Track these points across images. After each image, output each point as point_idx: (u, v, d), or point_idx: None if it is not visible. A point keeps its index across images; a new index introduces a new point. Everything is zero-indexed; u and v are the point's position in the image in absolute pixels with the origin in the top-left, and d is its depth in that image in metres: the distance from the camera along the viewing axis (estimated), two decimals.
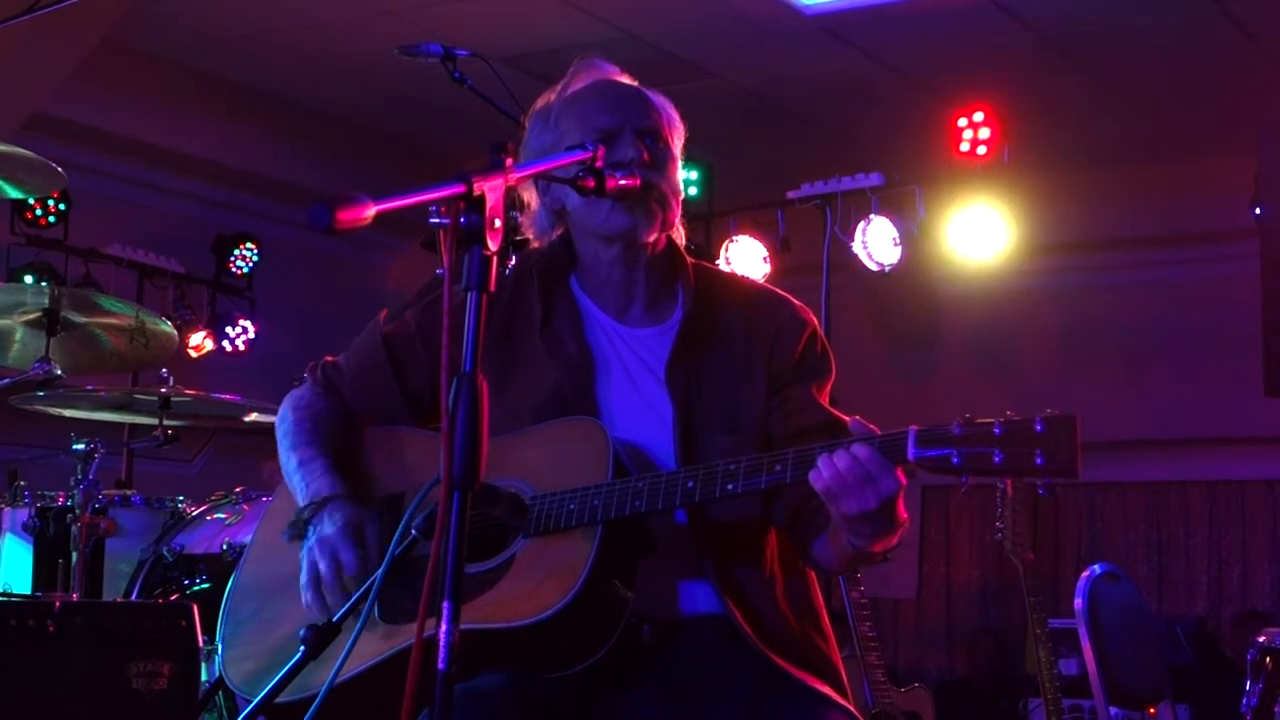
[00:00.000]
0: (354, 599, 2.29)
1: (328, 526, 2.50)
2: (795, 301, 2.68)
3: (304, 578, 2.48)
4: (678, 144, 2.64)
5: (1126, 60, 7.77)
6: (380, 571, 2.16)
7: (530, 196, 2.69)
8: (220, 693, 4.10)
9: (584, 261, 2.65)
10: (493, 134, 2.31)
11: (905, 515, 2.32)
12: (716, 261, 7.69)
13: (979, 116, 7.19)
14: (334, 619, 2.26)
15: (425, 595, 1.93)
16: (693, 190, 8.04)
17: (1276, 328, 6.92)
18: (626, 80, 2.67)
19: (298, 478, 2.63)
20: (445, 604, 1.90)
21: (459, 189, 1.99)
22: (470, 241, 2.00)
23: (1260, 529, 9.52)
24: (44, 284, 7.16)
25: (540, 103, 2.69)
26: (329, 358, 2.79)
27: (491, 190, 2.01)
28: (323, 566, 2.46)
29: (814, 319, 2.67)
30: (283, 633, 2.48)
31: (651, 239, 2.55)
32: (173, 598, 4.48)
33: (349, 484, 2.59)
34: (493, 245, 2.00)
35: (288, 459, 2.67)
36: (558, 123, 2.62)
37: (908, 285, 9.64)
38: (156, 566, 4.58)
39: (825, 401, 2.62)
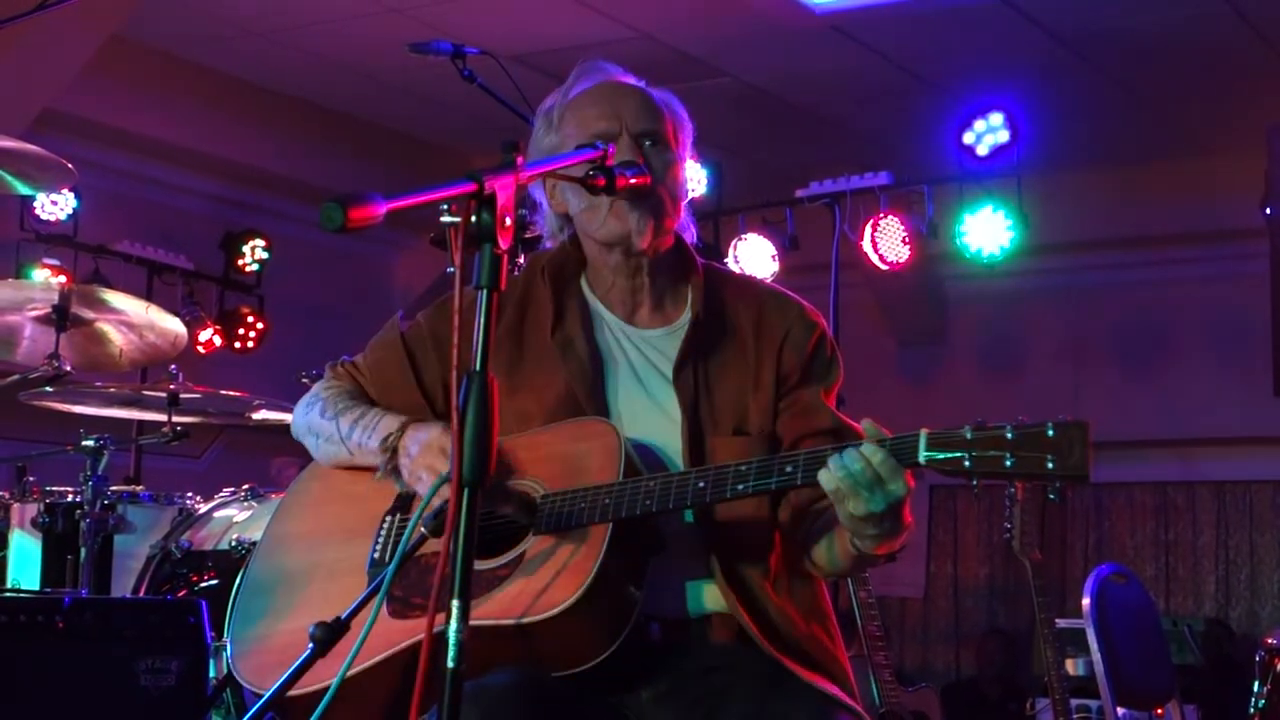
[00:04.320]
0: (364, 596, 2.29)
1: (424, 433, 2.50)
2: (805, 303, 2.68)
3: (423, 487, 2.45)
4: (684, 143, 2.63)
5: (1137, 59, 7.76)
6: (391, 568, 2.17)
7: (540, 197, 2.69)
8: (228, 689, 4.10)
9: (591, 263, 2.66)
10: (503, 132, 2.31)
11: (911, 519, 2.33)
12: (725, 259, 7.69)
13: (988, 115, 7.19)
14: (343, 617, 2.27)
15: (435, 592, 1.94)
16: (702, 188, 8.03)
17: None
18: (630, 80, 2.66)
19: (357, 431, 2.61)
20: (454, 602, 1.90)
21: (470, 187, 2.00)
22: (481, 240, 2.00)
23: (1268, 529, 9.50)
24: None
25: (546, 104, 2.68)
26: (346, 358, 2.80)
27: (502, 189, 2.01)
28: (441, 465, 2.43)
29: (823, 321, 2.67)
30: (292, 628, 2.48)
31: (647, 245, 2.54)
32: (181, 594, 4.48)
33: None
34: (503, 244, 2.01)
35: (333, 426, 2.65)
36: (559, 126, 2.61)
37: (916, 284, 9.66)
38: (165, 563, 4.58)
39: (833, 405, 2.62)
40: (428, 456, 2.47)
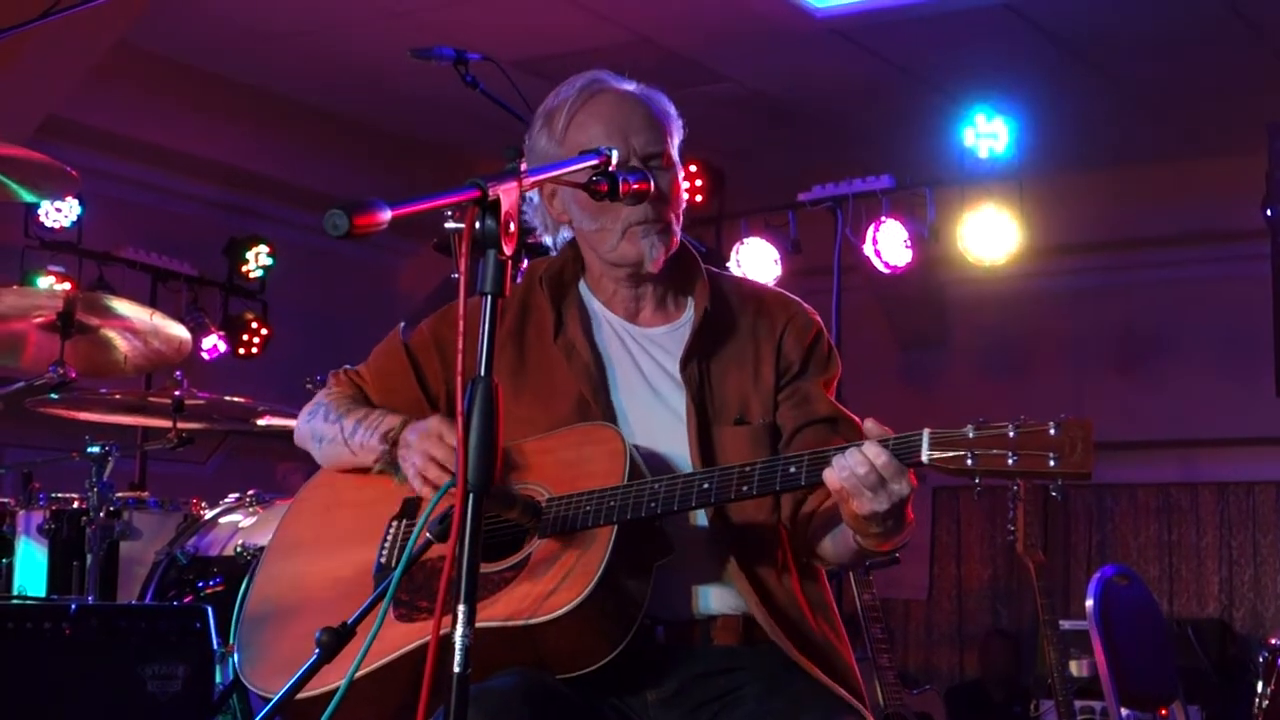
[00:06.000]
0: (370, 601, 2.30)
1: (421, 424, 2.53)
2: (803, 303, 2.72)
3: (413, 469, 2.50)
4: (676, 145, 2.63)
5: (1137, 60, 7.77)
6: (397, 572, 2.18)
7: (534, 210, 2.69)
8: (235, 695, 4.12)
9: (592, 271, 2.69)
10: (505, 138, 2.32)
11: (913, 517, 2.35)
12: (727, 264, 7.70)
13: (989, 118, 7.20)
14: (349, 622, 2.27)
15: (441, 595, 1.95)
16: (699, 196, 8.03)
17: None
18: (628, 88, 2.64)
19: (360, 431, 2.63)
20: (460, 606, 1.91)
21: (474, 194, 2.01)
22: (485, 245, 2.01)
23: (1271, 530, 9.50)
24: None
25: (546, 105, 2.67)
26: (349, 366, 2.81)
27: (506, 194, 2.02)
28: (436, 451, 2.48)
29: (819, 319, 2.71)
30: (299, 634, 2.49)
31: (659, 269, 2.58)
32: (187, 600, 4.49)
33: None
34: (507, 249, 2.02)
35: (336, 429, 2.67)
36: (562, 140, 2.59)
37: (918, 287, 9.66)
38: (171, 569, 4.60)
39: (832, 396, 2.64)
40: (425, 442, 2.50)
